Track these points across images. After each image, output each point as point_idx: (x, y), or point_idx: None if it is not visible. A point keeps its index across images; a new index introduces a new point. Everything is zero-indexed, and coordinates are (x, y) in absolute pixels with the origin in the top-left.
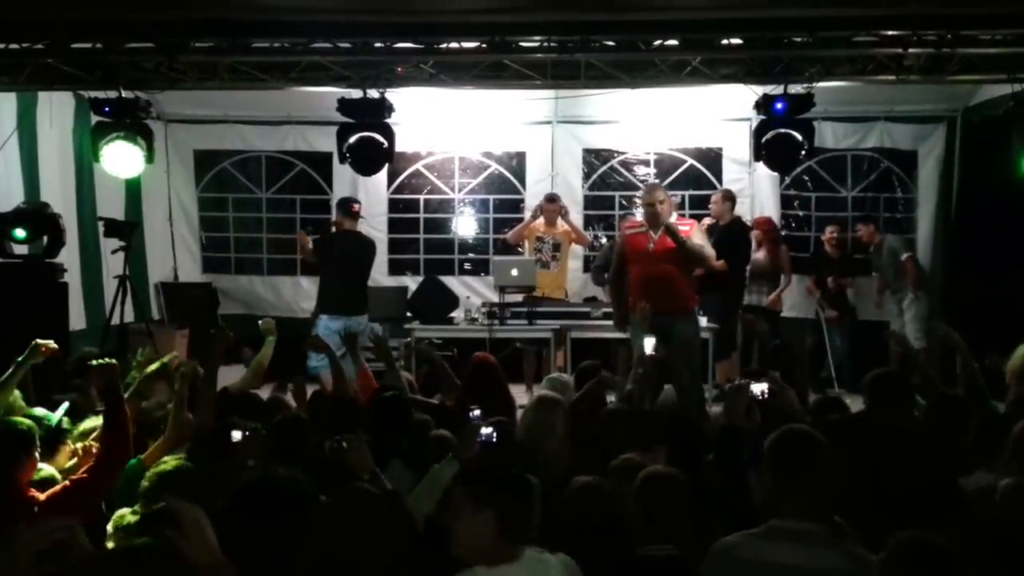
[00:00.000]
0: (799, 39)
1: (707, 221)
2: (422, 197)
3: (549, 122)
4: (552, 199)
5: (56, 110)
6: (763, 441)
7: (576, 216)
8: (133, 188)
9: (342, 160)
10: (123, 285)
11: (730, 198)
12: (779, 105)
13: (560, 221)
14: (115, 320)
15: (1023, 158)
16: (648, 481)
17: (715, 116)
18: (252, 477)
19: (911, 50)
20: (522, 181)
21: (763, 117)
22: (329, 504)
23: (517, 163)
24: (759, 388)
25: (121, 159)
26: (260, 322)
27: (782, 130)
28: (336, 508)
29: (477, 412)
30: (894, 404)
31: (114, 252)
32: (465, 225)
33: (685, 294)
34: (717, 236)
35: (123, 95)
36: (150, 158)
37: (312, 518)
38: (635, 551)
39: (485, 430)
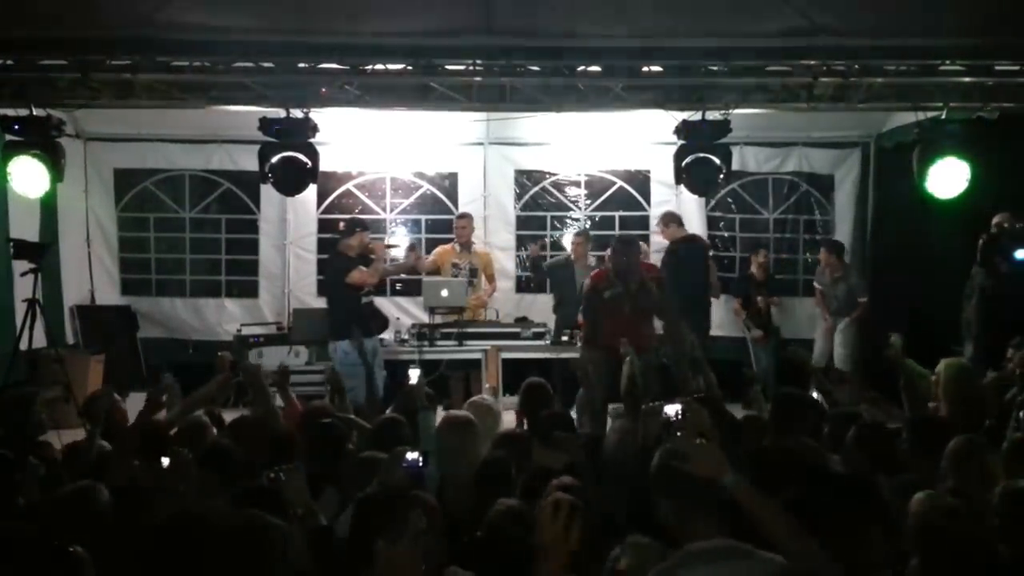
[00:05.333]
0: (715, 68)
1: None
2: (353, 217)
3: (481, 143)
4: (463, 216)
5: None
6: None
7: (508, 236)
8: (49, 208)
9: (264, 180)
10: (32, 309)
11: (666, 221)
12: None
13: (476, 246)
14: (25, 345)
15: (924, 181)
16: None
17: (644, 139)
18: (165, 517)
19: (821, 79)
20: (454, 201)
21: (683, 142)
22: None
23: (449, 184)
24: (672, 410)
25: (29, 178)
26: (219, 354)
27: (701, 154)
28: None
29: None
30: (798, 420)
31: (23, 275)
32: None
33: (649, 334)
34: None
35: (34, 113)
36: (58, 177)
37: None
38: None
39: (410, 455)
